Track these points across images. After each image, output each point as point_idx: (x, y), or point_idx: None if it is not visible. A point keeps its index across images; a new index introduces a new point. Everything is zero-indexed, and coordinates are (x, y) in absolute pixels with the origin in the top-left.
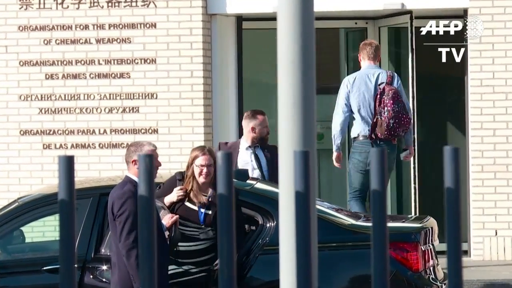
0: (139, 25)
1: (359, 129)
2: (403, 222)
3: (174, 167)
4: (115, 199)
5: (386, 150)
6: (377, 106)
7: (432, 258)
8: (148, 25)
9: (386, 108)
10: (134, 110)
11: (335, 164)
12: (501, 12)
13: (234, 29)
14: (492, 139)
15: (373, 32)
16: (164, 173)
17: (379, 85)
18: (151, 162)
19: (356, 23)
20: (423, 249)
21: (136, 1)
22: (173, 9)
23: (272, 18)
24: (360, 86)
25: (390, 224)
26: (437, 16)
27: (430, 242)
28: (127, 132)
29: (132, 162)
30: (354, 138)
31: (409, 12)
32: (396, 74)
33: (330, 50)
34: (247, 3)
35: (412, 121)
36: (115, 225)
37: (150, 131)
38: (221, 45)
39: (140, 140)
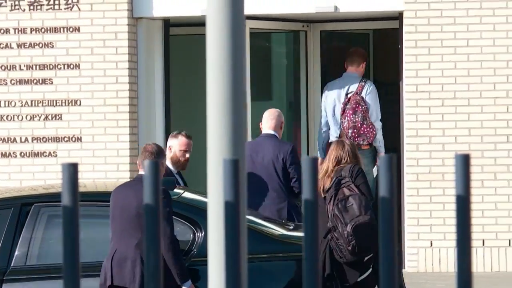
0: (62, 29)
1: (331, 136)
2: None
3: (98, 177)
4: (139, 197)
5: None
6: (341, 115)
7: None
8: (71, 29)
9: (346, 118)
10: (57, 117)
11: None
12: (438, 15)
13: (161, 33)
14: (427, 146)
15: (312, 36)
16: (87, 182)
17: (347, 94)
18: (74, 171)
19: (291, 27)
20: None
21: (59, 4)
22: (97, 13)
23: (200, 23)
24: (332, 93)
25: None
26: (372, 19)
27: None
28: (50, 140)
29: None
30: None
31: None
32: (370, 83)
33: (263, 54)
34: (174, 6)
35: (376, 130)
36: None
37: (73, 139)
38: (148, 50)
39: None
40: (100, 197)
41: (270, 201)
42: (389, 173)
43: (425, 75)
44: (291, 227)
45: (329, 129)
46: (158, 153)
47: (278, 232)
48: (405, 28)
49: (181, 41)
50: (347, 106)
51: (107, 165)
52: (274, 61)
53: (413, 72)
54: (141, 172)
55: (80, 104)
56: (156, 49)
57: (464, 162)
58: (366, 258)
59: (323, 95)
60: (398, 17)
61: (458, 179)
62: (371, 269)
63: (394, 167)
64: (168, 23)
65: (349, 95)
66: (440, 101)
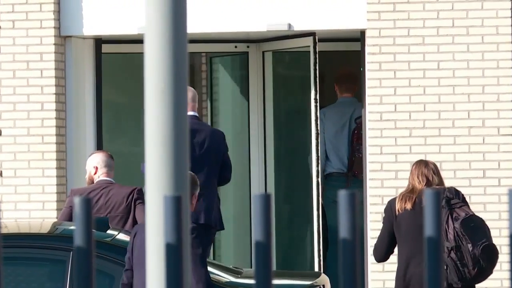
0: None
1: (330, 167)
2: (291, 279)
3: (20, 216)
4: None
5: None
6: (354, 142)
7: None
8: None
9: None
10: None
11: None
12: (405, 34)
13: (92, 53)
14: (393, 182)
15: (256, 56)
16: (9, 223)
17: (356, 119)
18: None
19: (236, 47)
20: None
21: None
22: (20, 31)
23: (137, 40)
24: (332, 120)
25: (277, 282)
26: (331, 39)
27: None
28: None
29: (193, 196)
30: (329, 174)
31: (311, 33)
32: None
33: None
34: (108, 23)
35: None
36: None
37: None
38: (77, 72)
39: None
40: (23, 240)
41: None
42: (350, 212)
43: (390, 101)
44: (242, 273)
45: (327, 158)
46: (193, 184)
47: (225, 279)
48: (367, 49)
49: (114, 60)
50: (362, 132)
51: (32, 203)
52: (217, 87)
53: (377, 98)
54: None
55: (0, 134)
56: (87, 71)
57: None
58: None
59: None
60: (359, 36)
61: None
62: None
63: (355, 206)
64: (100, 42)
65: (358, 121)
66: (407, 131)
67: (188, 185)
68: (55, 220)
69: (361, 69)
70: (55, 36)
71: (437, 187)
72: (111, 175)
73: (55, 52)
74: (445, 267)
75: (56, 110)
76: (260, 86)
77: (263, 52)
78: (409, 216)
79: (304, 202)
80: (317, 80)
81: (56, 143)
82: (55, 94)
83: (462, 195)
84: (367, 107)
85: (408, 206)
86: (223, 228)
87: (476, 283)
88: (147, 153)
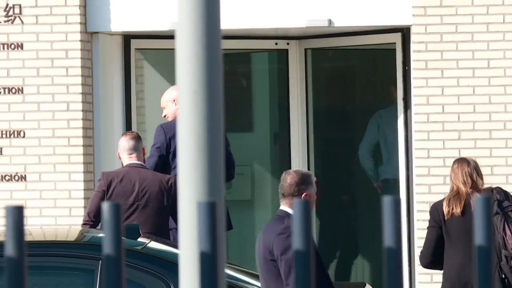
0: (1, 46)
1: (384, 172)
2: None
3: (46, 222)
4: (275, 235)
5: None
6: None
7: None
8: (13, 46)
9: None
10: None
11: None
12: (452, 30)
13: (121, 50)
14: (441, 188)
15: (296, 54)
16: (34, 230)
17: None
18: (20, 216)
19: (276, 44)
20: None
21: None
22: (44, 26)
23: (171, 36)
24: (391, 123)
25: None
26: (371, 33)
27: None
28: None
29: (304, 196)
30: (384, 180)
31: (399, 29)
32: None
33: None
34: (137, 19)
35: None
36: (273, 267)
37: (16, 178)
38: (105, 71)
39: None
40: (49, 248)
41: None
42: (395, 218)
43: (438, 102)
44: None
45: (382, 163)
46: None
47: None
48: (413, 46)
49: (147, 57)
50: None
51: (57, 209)
52: (254, 85)
53: (424, 98)
54: (288, 208)
55: (24, 136)
56: (115, 69)
57: None
58: None
59: (373, 124)
60: (404, 32)
61: None
62: None
63: (398, 212)
64: (129, 39)
65: None
66: (456, 134)
67: (223, 190)
68: (83, 224)
69: (406, 67)
70: (81, 32)
71: (485, 188)
72: (140, 157)
73: (81, 49)
74: (503, 277)
75: (82, 110)
76: (303, 85)
77: (305, 49)
78: (459, 222)
79: (356, 208)
80: (406, 79)
81: (83, 145)
82: (82, 93)
83: (510, 195)
84: (413, 108)
85: (457, 211)
86: (231, 228)
87: None
88: (179, 156)
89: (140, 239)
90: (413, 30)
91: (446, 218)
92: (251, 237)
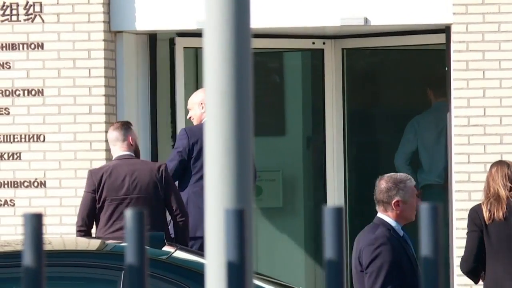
0: (21, 46)
1: (424, 179)
2: None
3: (66, 231)
4: (364, 246)
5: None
6: None
7: None
8: (33, 46)
9: None
10: (15, 156)
11: None
12: (495, 29)
13: (146, 50)
14: (482, 195)
15: (332, 53)
16: (53, 239)
17: None
18: (39, 223)
19: (313, 43)
20: None
21: (18, 15)
22: (65, 25)
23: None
24: (429, 127)
25: None
26: (411, 33)
27: None
28: (6, 186)
29: (394, 202)
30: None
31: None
32: None
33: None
34: (163, 17)
35: None
36: (363, 278)
37: (35, 184)
38: (129, 72)
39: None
40: (70, 258)
41: None
42: (433, 226)
43: (479, 104)
44: None
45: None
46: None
47: None
48: (453, 46)
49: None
50: None
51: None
52: (287, 86)
53: (464, 101)
54: (383, 216)
55: (43, 140)
56: (140, 70)
57: None
58: None
59: (410, 132)
60: (444, 31)
61: None
62: None
63: (438, 220)
64: (155, 38)
65: None
66: (498, 138)
67: (253, 197)
68: (77, 230)
69: (446, 68)
70: (104, 31)
71: None
72: (127, 146)
73: (104, 49)
74: None
75: (105, 113)
76: (338, 87)
77: (342, 49)
78: (501, 228)
79: None
80: (446, 81)
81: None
82: (105, 95)
83: None
84: (452, 111)
85: (499, 215)
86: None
87: None
88: (206, 161)
89: (165, 248)
90: (453, 29)
91: (487, 222)
92: (281, 246)
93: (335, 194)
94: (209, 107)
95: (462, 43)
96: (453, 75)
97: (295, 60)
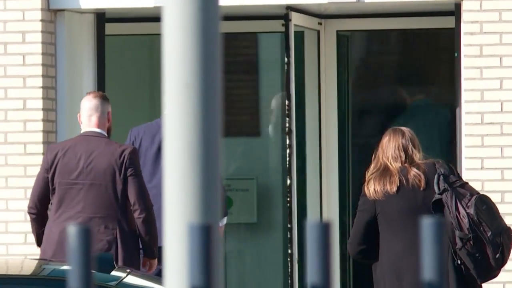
0: None
1: None
2: None
3: None
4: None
5: None
6: None
7: None
8: None
9: None
10: None
11: None
12: None
13: (93, 32)
14: (499, 207)
15: (324, 37)
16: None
17: None
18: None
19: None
20: None
21: None
22: None
23: (152, 18)
24: None
25: None
26: (416, 13)
27: None
28: None
29: None
30: None
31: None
32: None
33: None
34: None
35: None
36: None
37: None
38: (72, 58)
39: None
40: None
41: None
42: (437, 243)
43: (495, 98)
44: None
45: None
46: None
47: None
48: (464, 27)
49: (120, 43)
50: None
51: (10, 235)
52: (262, 79)
53: (477, 94)
54: None
55: None
56: (86, 56)
57: None
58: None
59: None
60: (453, 11)
61: None
62: None
63: (442, 236)
64: (103, 18)
65: None
66: None
67: (221, 209)
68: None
69: (455, 54)
70: (42, 9)
71: (423, 162)
72: (102, 123)
73: (42, 31)
74: (459, 263)
75: (43, 109)
76: (332, 75)
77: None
78: (396, 202)
79: None
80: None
81: (43, 153)
82: (42, 87)
83: (454, 168)
84: (463, 106)
85: (392, 189)
86: (226, 214)
87: (496, 276)
88: (166, 166)
89: (114, 272)
90: (464, 6)
91: (378, 198)
92: (255, 269)
93: (326, 207)
94: (168, 103)
95: (475, 24)
96: (464, 62)
97: (268, 44)
